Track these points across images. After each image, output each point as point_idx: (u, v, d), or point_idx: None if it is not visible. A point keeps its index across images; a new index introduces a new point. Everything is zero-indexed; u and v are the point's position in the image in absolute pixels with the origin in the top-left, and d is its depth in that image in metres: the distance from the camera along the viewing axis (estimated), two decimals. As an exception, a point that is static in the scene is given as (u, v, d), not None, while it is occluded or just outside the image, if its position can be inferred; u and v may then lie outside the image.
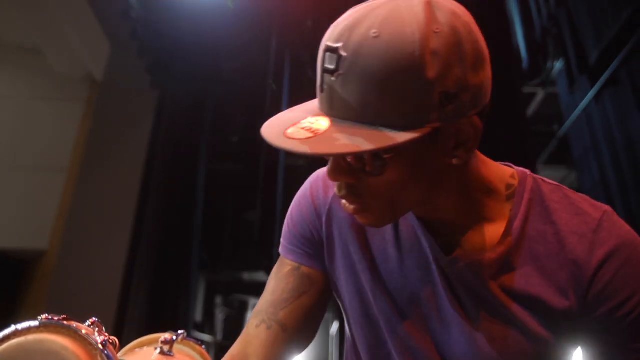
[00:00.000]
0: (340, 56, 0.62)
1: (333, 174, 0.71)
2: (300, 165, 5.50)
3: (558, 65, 4.09)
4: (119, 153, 5.14)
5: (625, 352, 0.73)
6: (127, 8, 4.51)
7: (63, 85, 6.50)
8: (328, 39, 0.65)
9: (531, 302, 0.73)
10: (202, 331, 5.37)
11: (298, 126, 0.64)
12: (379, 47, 0.59)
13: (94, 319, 0.69)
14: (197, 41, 4.75)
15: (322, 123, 0.64)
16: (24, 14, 5.73)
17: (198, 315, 5.25)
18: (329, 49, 0.64)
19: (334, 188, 0.93)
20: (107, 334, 0.67)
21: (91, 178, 5.20)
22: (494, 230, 0.76)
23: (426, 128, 0.61)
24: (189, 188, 4.99)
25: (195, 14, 4.60)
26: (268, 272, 5.05)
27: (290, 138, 0.62)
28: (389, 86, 0.59)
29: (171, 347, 0.98)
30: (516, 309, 0.74)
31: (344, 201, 0.75)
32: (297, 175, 5.59)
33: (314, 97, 0.71)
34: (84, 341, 0.64)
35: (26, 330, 0.63)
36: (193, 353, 1.07)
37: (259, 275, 5.53)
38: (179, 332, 1.04)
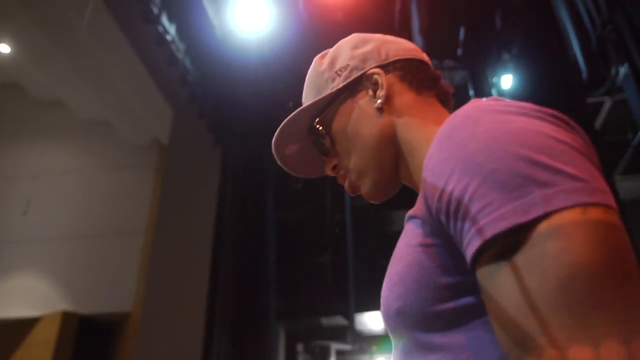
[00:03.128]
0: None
1: (327, 169, 0.93)
2: (365, 205, 5.49)
3: (622, 70, 3.92)
4: (190, 211, 5.31)
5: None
6: (184, 73, 4.74)
7: (133, 153, 6.86)
8: None
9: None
10: (287, 381, 5.34)
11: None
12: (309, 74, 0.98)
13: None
14: (253, 96, 4.91)
15: None
16: (93, 90, 6.14)
17: (281, 365, 5.24)
18: None
19: None
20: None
21: (167, 238, 5.38)
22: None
23: (332, 91, 0.89)
24: (259, 239, 5.07)
25: (249, 71, 4.77)
26: (345, 316, 4.98)
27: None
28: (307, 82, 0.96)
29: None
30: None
31: (346, 187, 0.92)
32: (363, 214, 5.58)
33: None
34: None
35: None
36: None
37: (336, 320, 5.47)
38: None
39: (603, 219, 0.54)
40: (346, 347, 5.74)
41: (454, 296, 0.65)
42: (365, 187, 0.89)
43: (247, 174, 5.06)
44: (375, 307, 5.48)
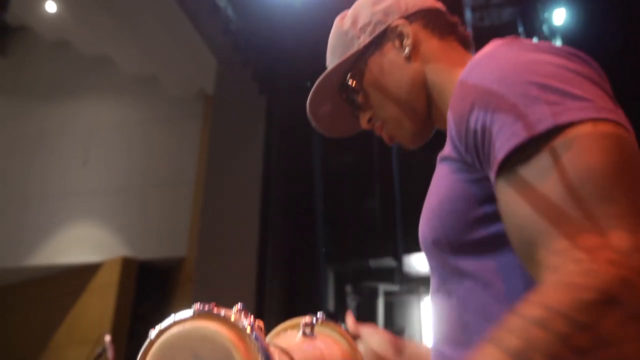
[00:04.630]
0: None
1: (363, 122, 0.97)
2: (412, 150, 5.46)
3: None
4: (238, 159, 5.42)
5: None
6: (226, 22, 4.74)
7: (180, 105, 6.98)
8: None
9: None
10: (336, 319, 5.51)
11: None
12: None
13: (239, 306, 0.75)
14: (297, 41, 4.88)
15: None
16: (138, 45, 6.23)
17: (330, 305, 5.39)
18: None
19: None
20: (253, 319, 0.73)
21: (216, 186, 5.53)
22: None
23: (360, 47, 0.92)
24: (307, 185, 5.14)
25: (292, 16, 4.72)
26: (394, 257, 5.04)
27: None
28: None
29: (312, 329, 1.04)
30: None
31: (384, 137, 0.96)
32: (411, 156, 5.56)
33: None
34: (234, 326, 0.70)
35: (183, 320, 0.71)
36: (334, 334, 1.12)
37: (384, 262, 5.56)
38: (318, 314, 1.10)
39: (613, 131, 0.59)
40: (394, 288, 5.84)
41: (485, 225, 0.71)
42: (401, 135, 0.94)
43: (293, 121, 5.09)
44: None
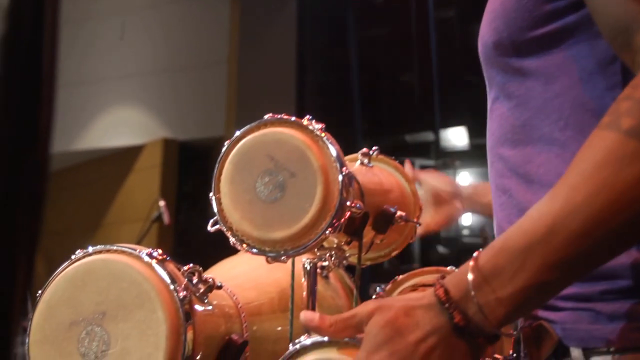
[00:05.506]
0: None
1: None
2: (450, 17, 5.24)
3: None
4: (270, 35, 5.31)
5: None
6: None
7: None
8: None
9: None
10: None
11: None
12: None
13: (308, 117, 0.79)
14: None
15: None
16: None
17: (369, 180, 5.52)
18: None
19: None
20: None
21: (250, 64, 5.49)
22: None
23: None
24: (342, 59, 5.05)
25: None
26: (430, 131, 5.02)
27: None
28: None
29: (369, 159, 1.08)
30: None
31: None
32: (449, 28, 5.36)
33: None
34: (307, 129, 0.74)
35: (258, 126, 0.75)
36: (388, 167, 1.17)
37: (421, 136, 5.57)
38: (374, 147, 1.13)
39: None
40: (430, 162, 5.90)
41: (551, 20, 0.69)
42: None
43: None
44: (460, 122, 5.50)
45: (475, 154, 5.66)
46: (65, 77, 7.01)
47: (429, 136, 5.49)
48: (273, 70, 5.21)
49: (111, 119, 6.83)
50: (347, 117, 5.17)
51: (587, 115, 0.65)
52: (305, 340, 0.65)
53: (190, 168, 6.58)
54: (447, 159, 6.09)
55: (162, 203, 2.85)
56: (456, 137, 5.71)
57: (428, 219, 1.17)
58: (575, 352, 0.63)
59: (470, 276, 0.56)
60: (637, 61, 0.57)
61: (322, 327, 0.63)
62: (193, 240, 5.43)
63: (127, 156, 6.76)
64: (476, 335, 0.56)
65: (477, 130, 5.08)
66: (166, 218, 2.82)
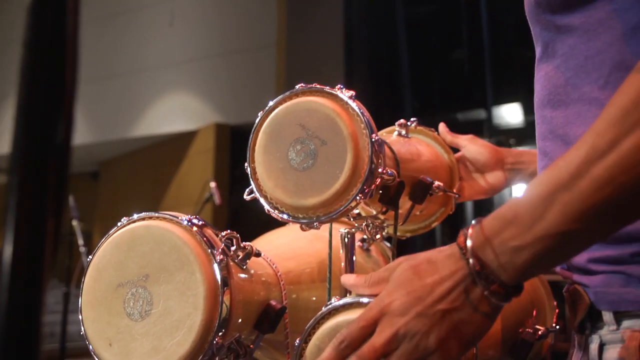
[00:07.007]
0: None
1: None
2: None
3: None
4: (318, 16, 5.31)
5: None
6: None
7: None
8: None
9: None
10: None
11: None
12: None
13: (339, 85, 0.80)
14: None
15: None
16: None
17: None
18: None
19: None
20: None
21: (298, 47, 5.51)
22: None
23: None
24: (391, 37, 5.00)
25: None
26: (483, 109, 4.90)
27: None
28: None
29: (407, 130, 1.08)
30: None
31: None
32: (500, 5, 5.20)
33: None
34: (337, 97, 0.75)
35: (290, 96, 0.77)
36: (426, 139, 1.16)
37: (473, 114, 5.46)
38: (412, 119, 1.13)
39: None
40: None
41: None
42: None
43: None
44: (513, 99, 5.35)
45: (530, 132, 5.49)
46: (122, 67, 7.25)
47: (481, 114, 5.37)
48: (321, 52, 5.21)
49: (165, 106, 7.02)
50: (397, 96, 5.12)
51: (628, 73, 0.63)
52: (337, 302, 0.67)
53: (242, 151, 6.67)
54: (501, 137, 5.94)
55: (212, 184, 2.93)
56: (510, 114, 5.56)
57: (466, 187, 1.14)
58: (607, 316, 0.62)
59: (489, 223, 0.56)
60: None
61: (357, 283, 0.66)
62: (245, 221, 5.54)
63: (182, 142, 6.95)
64: (492, 282, 0.55)
65: (532, 107, 4.93)
66: (217, 199, 2.89)
